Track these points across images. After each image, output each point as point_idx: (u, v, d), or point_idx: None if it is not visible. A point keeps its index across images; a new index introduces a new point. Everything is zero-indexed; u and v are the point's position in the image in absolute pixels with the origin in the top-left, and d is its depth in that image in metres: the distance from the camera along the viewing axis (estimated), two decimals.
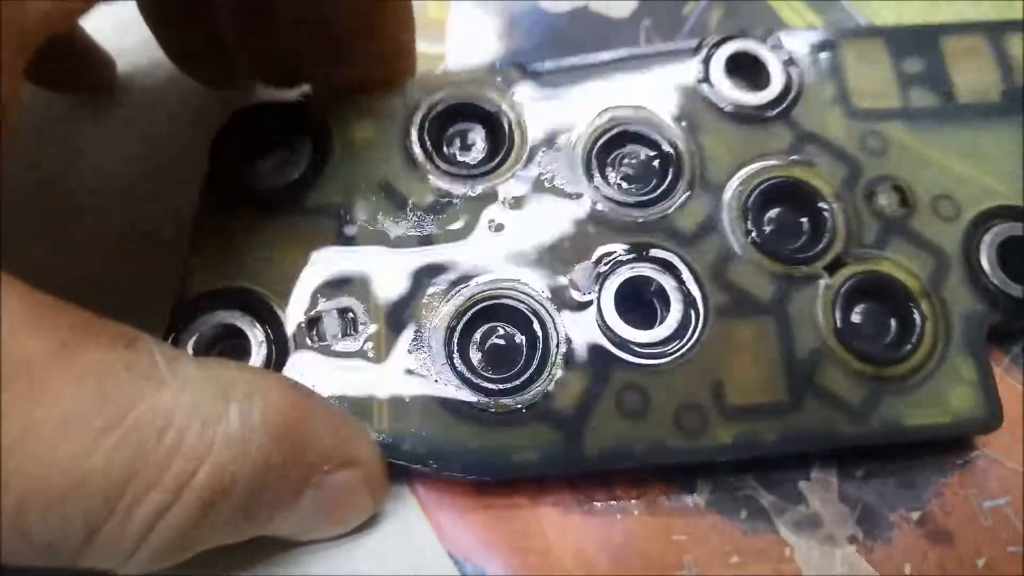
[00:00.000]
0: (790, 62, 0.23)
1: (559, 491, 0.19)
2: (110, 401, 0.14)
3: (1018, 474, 0.20)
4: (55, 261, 0.20)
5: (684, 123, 0.22)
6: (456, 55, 0.24)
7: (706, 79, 0.22)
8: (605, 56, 0.22)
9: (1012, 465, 0.20)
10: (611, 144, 0.21)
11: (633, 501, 0.20)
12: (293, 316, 0.19)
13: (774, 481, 0.20)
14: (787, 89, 0.22)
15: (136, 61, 0.23)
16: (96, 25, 0.22)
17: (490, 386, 0.19)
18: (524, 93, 0.22)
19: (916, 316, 0.20)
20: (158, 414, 0.14)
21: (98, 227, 0.21)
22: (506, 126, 0.21)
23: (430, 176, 0.21)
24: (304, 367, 0.19)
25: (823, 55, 0.23)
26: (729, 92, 0.22)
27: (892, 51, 0.23)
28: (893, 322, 0.21)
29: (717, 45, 0.23)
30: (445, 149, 0.21)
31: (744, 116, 0.22)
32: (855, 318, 0.21)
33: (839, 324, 0.20)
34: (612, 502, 0.20)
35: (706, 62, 0.22)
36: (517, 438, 0.19)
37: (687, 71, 0.22)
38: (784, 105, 0.22)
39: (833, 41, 0.23)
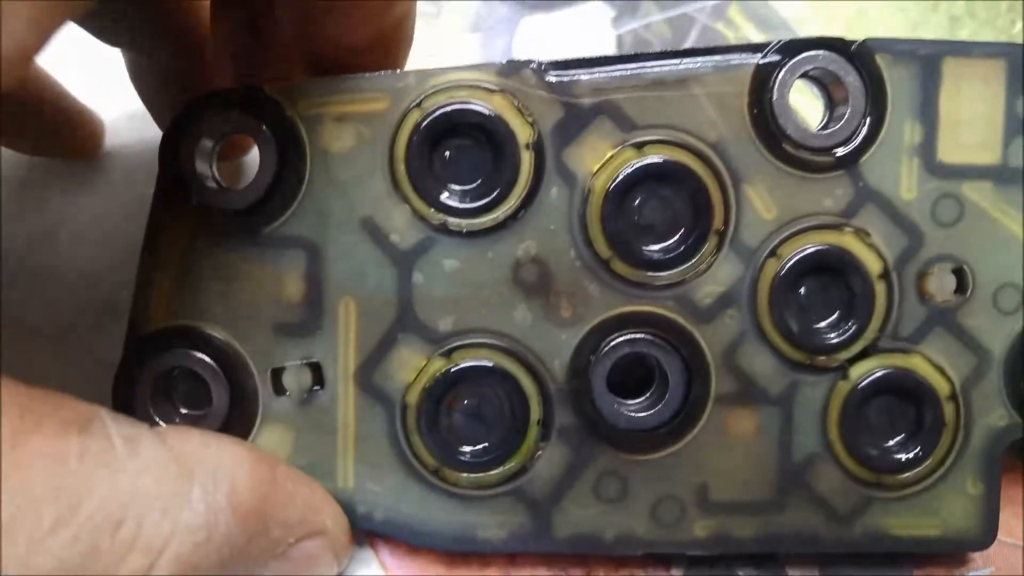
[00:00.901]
0: (874, 87, 0.18)
1: (533, 564, 0.19)
2: (62, 494, 0.13)
3: (1002, 545, 0.20)
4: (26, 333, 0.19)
5: (725, 161, 0.18)
6: None
7: (764, 104, 0.18)
8: (641, 64, 0.18)
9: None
10: (634, 185, 0.18)
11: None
12: (258, 364, 0.18)
13: (754, 562, 0.20)
14: (860, 127, 0.18)
15: (126, 124, 0.22)
16: (83, 87, 0.21)
17: (462, 458, 0.18)
18: (539, 106, 0.18)
19: (934, 423, 0.19)
20: (114, 505, 0.14)
21: (76, 301, 0.19)
22: (511, 150, 0.18)
23: (418, 207, 0.18)
24: (271, 420, 0.18)
25: (920, 79, 0.18)
26: (789, 125, 0.18)
27: (1011, 79, 0.19)
28: (907, 423, 0.19)
29: (788, 57, 0.18)
30: (440, 175, 0.18)
31: (803, 160, 0.18)
32: (867, 414, 0.19)
33: (847, 424, 0.18)
34: None
35: (766, 79, 0.18)
36: (485, 514, 0.18)
37: (740, 89, 0.18)
38: (851, 148, 0.18)
39: (937, 58, 0.19)
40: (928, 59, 0.18)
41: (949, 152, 0.19)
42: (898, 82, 0.18)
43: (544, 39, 0.24)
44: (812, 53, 0.18)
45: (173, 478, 0.14)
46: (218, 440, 0.16)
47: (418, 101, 0.18)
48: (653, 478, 0.18)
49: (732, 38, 0.24)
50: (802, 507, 0.19)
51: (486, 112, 0.18)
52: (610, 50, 0.23)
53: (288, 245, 0.18)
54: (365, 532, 0.18)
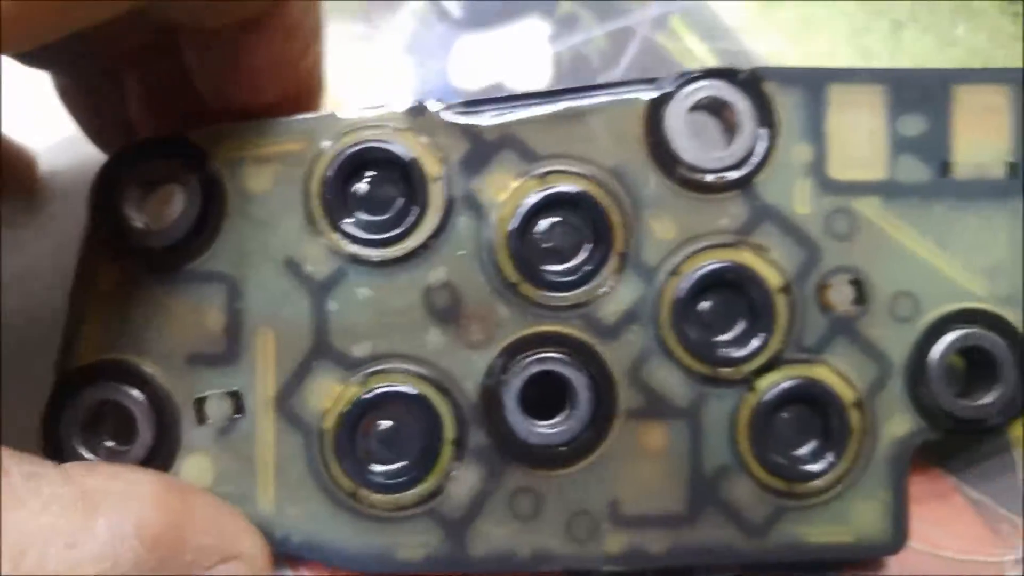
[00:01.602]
0: (764, 112, 0.19)
1: None
2: None
3: (917, 553, 0.20)
4: None
5: (624, 187, 0.19)
6: None
7: (658, 131, 0.19)
8: (541, 98, 0.19)
9: (909, 542, 0.20)
10: (538, 212, 0.19)
11: None
12: (181, 394, 0.18)
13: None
14: (752, 150, 0.19)
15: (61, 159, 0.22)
16: (12, 123, 0.21)
17: (377, 480, 0.19)
18: (446, 140, 0.19)
19: (841, 430, 0.19)
20: (15, 538, 0.14)
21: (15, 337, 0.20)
22: (420, 182, 0.19)
23: (332, 240, 0.19)
24: (193, 448, 0.18)
25: (807, 104, 0.20)
26: (684, 150, 0.19)
27: (891, 103, 0.20)
28: (814, 431, 0.20)
29: (679, 88, 0.19)
30: (353, 209, 0.19)
31: (699, 183, 0.19)
32: (775, 425, 0.20)
33: (756, 435, 0.19)
34: None
35: (659, 109, 0.19)
36: (402, 535, 0.19)
37: (635, 119, 0.19)
38: (746, 170, 0.19)
39: (821, 84, 0.20)
40: (813, 85, 0.20)
41: (839, 170, 0.20)
42: (786, 107, 0.19)
43: (480, 59, 0.24)
44: (703, 83, 0.19)
45: (78, 511, 0.15)
46: (127, 471, 0.16)
47: (332, 141, 0.19)
48: (566, 494, 0.19)
49: (674, 50, 0.24)
50: (715, 519, 0.19)
51: (396, 149, 0.19)
52: (547, 67, 0.24)
53: (208, 280, 0.19)
54: (285, 557, 0.19)
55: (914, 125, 0.20)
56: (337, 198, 0.19)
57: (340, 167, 0.19)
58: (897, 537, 0.19)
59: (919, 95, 0.20)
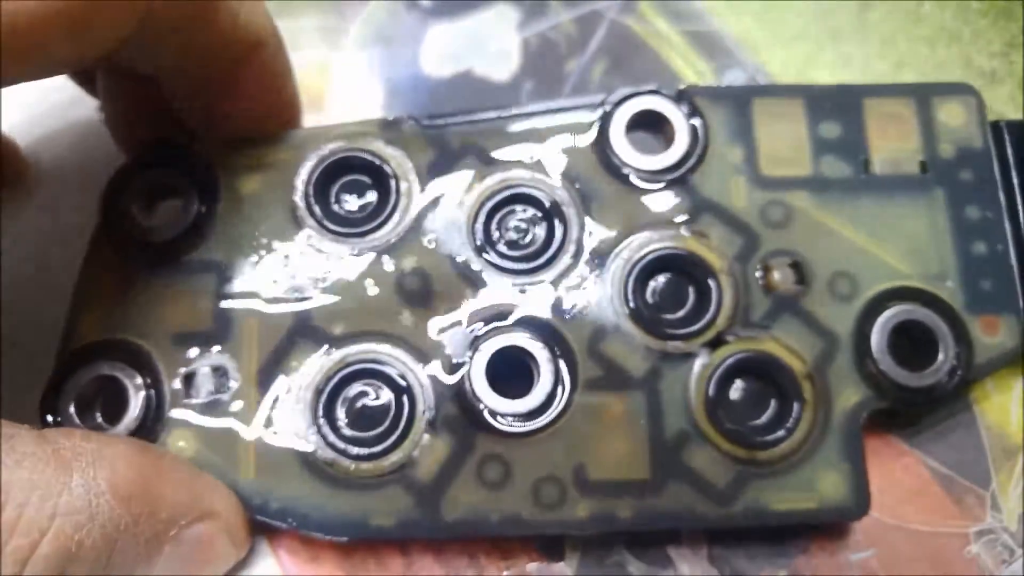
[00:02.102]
0: (696, 121, 0.22)
1: (428, 565, 0.20)
2: None
3: (884, 526, 0.20)
4: None
5: (576, 186, 0.21)
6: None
7: (604, 140, 0.22)
8: (500, 113, 0.22)
9: (877, 516, 0.20)
10: (498, 207, 0.21)
11: (505, 573, 0.20)
12: (171, 371, 0.20)
13: (644, 546, 0.20)
14: (689, 153, 0.22)
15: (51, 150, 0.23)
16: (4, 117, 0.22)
17: (353, 449, 0.19)
18: (415, 148, 0.22)
19: (795, 400, 0.20)
20: None
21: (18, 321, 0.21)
22: (392, 184, 0.21)
23: (312, 234, 0.21)
24: (179, 421, 0.20)
25: (734, 115, 0.22)
26: (626, 155, 0.22)
27: (810, 113, 0.22)
28: (771, 403, 0.21)
29: (620, 103, 0.22)
30: (333, 206, 0.21)
31: (640, 180, 0.22)
32: (731, 396, 0.21)
33: (712, 403, 0.20)
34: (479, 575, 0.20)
35: (604, 121, 0.22)
36: (375, 502, 0.19)
37: (584, 130, 0.22)
38: (683, 171, 0.22)
39: (747, 99, 0.22)
40: (739, 100, 0.22)
41: (769, 168, 0.22)
42: (717, 117, 0.22)
43: (450, 48, 0.24)
44: (642, 99, 0.22)
45: (52, 469, 0.16)
46: (100, 436, 0.17)
47: (315, 150, 0.21)
48: (533, 461, 0.20)
49: (642, 32, 0.24)
50: (680, 485, 0.20)
51: (369, 156, 0.21)
52: (515, 54, 0.24)
53: (202, 269, 0.21)
54: (264, 528, 0.19)
55: (832, 130, 0.22)
56: (319, 199, 0.21)
57: (322, 172, 0.21)
58: (859, 503, 0.20)
59: (834, 106, 0.23)
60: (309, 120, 0.22)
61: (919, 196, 0.22)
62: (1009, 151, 0.22)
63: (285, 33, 0.21)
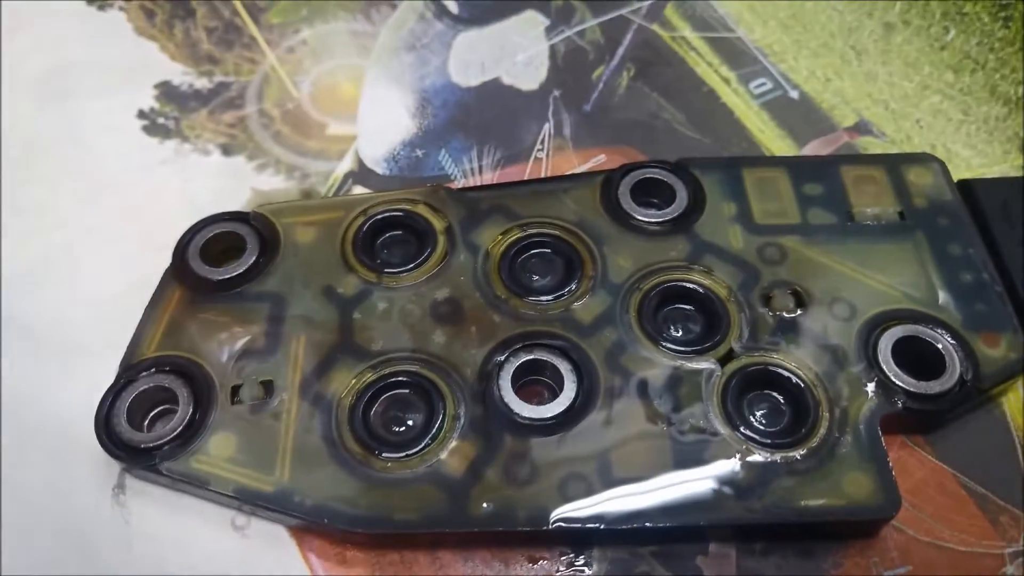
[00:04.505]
0: (693, 185, 0.25)
1: (457, 571, 0.20)
2: None
3: (919, 543, 0.20)
4: None
5: (589, 234, 0.24)
6: (368, 134, 0.25)
7: (611, 195, 0.25)
8: (524, 182, 0.25)
9: (912, 533, 0.20)
10: (523, 249, 0.24)
11: None
12: (222, 383, 0.22)
13: (672, 556, 0.20)
14: (689, 209, 0.25)
15: None
16: None
17: (386, 448, 0.20)
18: (452, 210, 0.25)
19: (809, 403, 0.21)
20: None
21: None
22: (431, 236, 0.24)
23: (360, 273, 0.23)
24: (222, 426, 0.21)
25: (726, 180, 0.25)
26: (632, 209, 0.25)
27: (793, 177, 0.26)
28: (787, 410, 0.21)
29: (624, 175, 0.25)
30: (378, 249, 0.24)
31: (648, 231, 0.24)
32: (749, 405, 0.22)
33: (729, 409, 0.21)
34: None
35: (610, 185, 0.25)
36: (406, 498, 0.20)
37: (593, 193, 0.25)
38: (685, 222, 0.25)
39: (736, 169, 0.26)
40: (728, 169, 0.26)
41: (762, 218, 0.25)
42: (711, 181, 0.26)
43: (479, 55, 0.24)
44: (644, 169, 0.26)
45: None
46: None
47: (363, 210, 0.25)
48: (559, 460, 0.20)
49: (668, 38, 0.24)
50: (703, 483, 0.20)
51: (410, 213, 0.25)
52: (543, 62, 0.25)
53: (259, 298, 0.23)
54: (299, 524, 0.20)
55: (815, 189, 0.26)
56: (366, 246, 0.24)
57: (369, 227, 0.24)
58: (889, 502, 0.20)
59: (814, 172, 0.26)
60: (342, 129, 0.24)
61: (903, 238, 0.24)
62: (984, 204, 0.25)
63: (318, 39, 0.21)
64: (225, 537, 0.21)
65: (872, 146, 0.28)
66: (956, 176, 0.25)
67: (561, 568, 0.20)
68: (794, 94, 0.29)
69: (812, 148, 0.28)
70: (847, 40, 0.27)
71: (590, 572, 0.20)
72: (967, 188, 0.26)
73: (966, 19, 0.26)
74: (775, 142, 0.28)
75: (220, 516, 0.21)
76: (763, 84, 0.28)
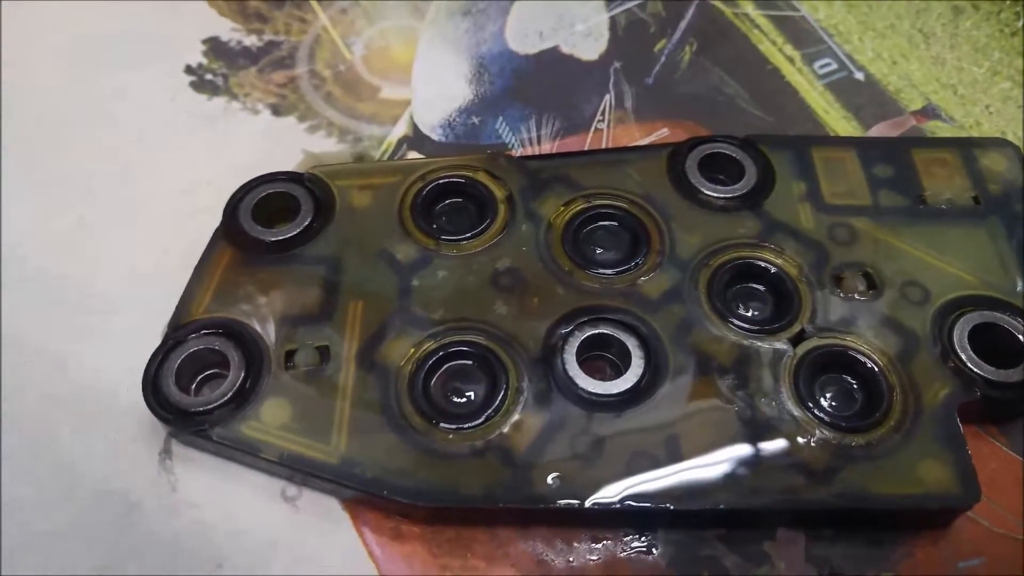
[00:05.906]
0: (762, 162, 0.24)
1: (516, 550, 0.19)
2: None
3: (993, 535, 0.19)
4: None
5: (656, 207, 0.23)
6: (423, 99, 0.24)
7: (678, 169, 0.24)
8: (586, 152, 0.25)
9: (987, 525, 0.19)
10: (587, 221, 0.23)
11: (592, 559, 0.19)
12: (275, 346, 0.21)
13: (738, 540, 0.19)
14: (759, 185, 0.24)
15: None
16: None
17: (449, 421, 0.20)
18: (513, 178, 0.24)
19: (883, 387, 0.20)
20: None
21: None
22: (491, 204, 0.23)
23: (419, 238, 0.23)
24: (276, 392, 0.20)
25: (794, 158, 0.25)
26: (699, 183, 0.24)
27: (863, 159, 0.25)
28: (860, 394, 0.21)
29: (691, 148, 0.25)
30: (436, 216, 0.23)
31: (717, 206, 0.24)
32: (821, 387, 0.21)
33: (801, 391, 0.20)
34: (571, 560, 0.19)
35: (676, 158, 0.24)
36: (468, 471, 0.19)
37: (660, 165, 0.24)
38: (755, 199, 0.24)
39: (805, 148, 0.25)
40: (797, 148, 0.25)
41: (833, 198, 0.24)
42: (779, 159, 0.25)
43: (536, 23, 0.23)
44: (712, 143, 0.25)
45: None
46: None
47: (421, 175, 0.24)
48: (625, 436, 0.20)
49: (730, 14, 0.23)
50: (774, 466, 0.19)
51: (471, 180, 0.24)
52: (604, 33, 0.24)
53: (314, 261, 0.22)
54: (355, 497, 0.19)
55: (886, 171, 0.25)
56: (424, 212, 0.23)
57: (428, 192, 0.24)
58: (968, 492, 0.19)
59: (884, 153, 0.25)
60: (395, 93, 0.23)
61: (977, 222, 0.24)
62: None
63: (370, 2, 0.21)
64: (275, 508, 0.20)
65: (940, 130, 0.27)
66: None
67: (625, 549, 0.19)
68: (859, 75, 0.28)
69: (878, 131, 0.27)
70: (914, 22, 0.27)
71: (655, 553, 0.19)
72: None
73: None
74: (840, 123, 0.27)
75: (270, 486, 0.20)
76: (828, 64, 0.27)
